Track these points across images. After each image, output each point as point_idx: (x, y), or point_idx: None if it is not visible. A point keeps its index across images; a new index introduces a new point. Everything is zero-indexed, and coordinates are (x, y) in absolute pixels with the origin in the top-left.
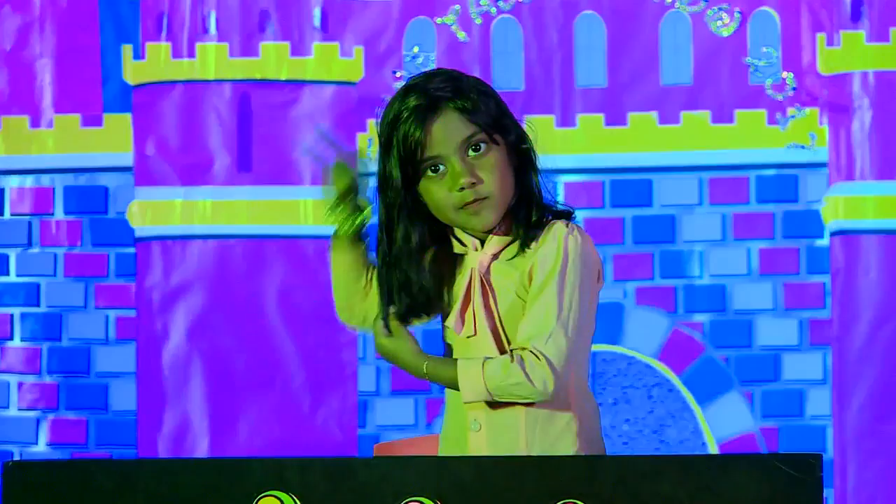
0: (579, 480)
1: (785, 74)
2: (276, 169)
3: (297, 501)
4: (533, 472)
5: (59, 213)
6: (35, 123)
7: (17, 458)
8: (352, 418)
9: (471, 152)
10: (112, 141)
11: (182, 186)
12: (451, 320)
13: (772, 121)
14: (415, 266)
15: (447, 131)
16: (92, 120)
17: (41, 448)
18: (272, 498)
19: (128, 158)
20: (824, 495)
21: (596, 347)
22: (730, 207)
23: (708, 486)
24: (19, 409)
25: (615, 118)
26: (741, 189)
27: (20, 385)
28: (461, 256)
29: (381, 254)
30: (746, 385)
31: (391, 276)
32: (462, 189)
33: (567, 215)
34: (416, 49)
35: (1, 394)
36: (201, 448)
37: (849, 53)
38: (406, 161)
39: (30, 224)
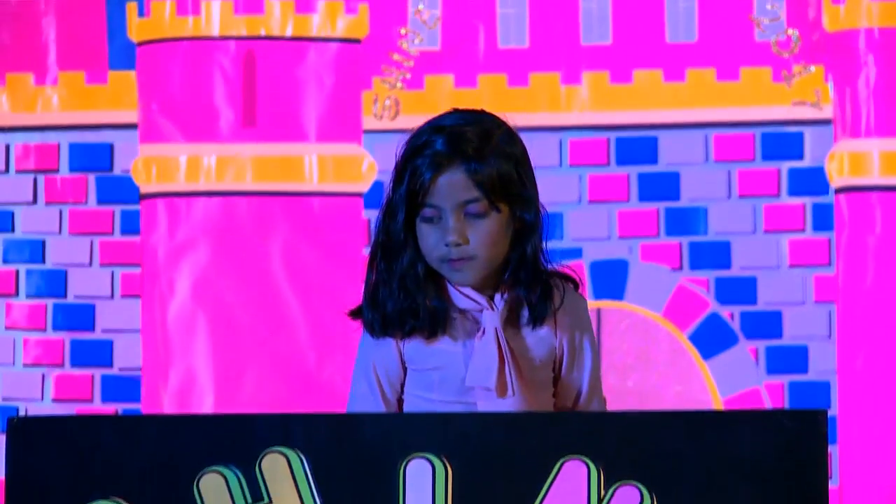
0: (584, 437)
1: (790, 31)
2: (281, 126)
3: (303, 457)
4: (538, 428)
5: (64, 170)
6: (40, 80)
7: (22, 413)
8: None
9: (468, 213)
10: (117, 98)
11: (187, 143)
12: (492, 382)
13: (777, 78)
14: (421, 291)
15: (451, 188)
16: (97, 77)
17: (46, 404)
18: (277, 454)
19: (133, 115)
20: (829, 451)
21: (601, 304)
22: (735, 164)
23: (713, 442)
24: (24, 366)
25: (620, 75)
26: (746, 146)
27: (25, 341)
28: (466, 312)
29: (378, 276)
30: (752, 341)
31: (393, 300)
32: (448, 245)
33: (573, 281)
34: (420, 7)
35: (6, 350)
36: (206, 404)
37: (854, 10)
38: (409, 198)
39: (35, 181)
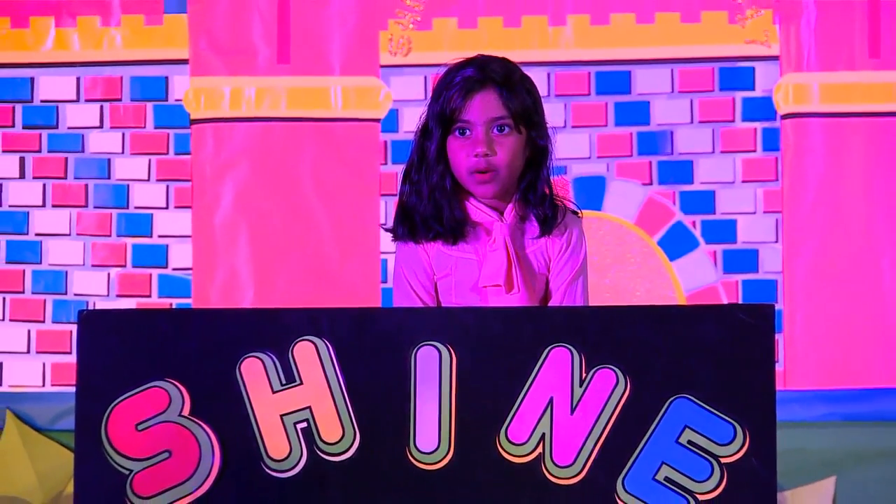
0: (568, 328)
1: None
2: (311, 61)
3: (328, 344)
4: (528, 320)
5: (126, 99)
6: (105, 22)
7: (91, 307)
8: (375, 274)
9: (496, 130)
10: (171, 37)
11: (230, 77)
12: (501, 279)
13: (732, 20)
14: (447, 201)
15: (484, 105)
16: (154, 20)
17: (112, 299)
18: (307, 341)
19: (184, 52)
20: (775, 339)
21: (582, 214)
22: (696, 95)
23: (679, 332)
24: (93, 266)
25: (599, 18)
26: (706, 79)
27: (93, 245)
28: (480, 225)
29: (411, 187)
30: (710, 245)
31: (421, 207)
32: (477, 156)
33: (575, 213)
34: None
35: (77, 253)
36: (247, 298)
37: None
38: (443, 118)
39: (101, 108)
